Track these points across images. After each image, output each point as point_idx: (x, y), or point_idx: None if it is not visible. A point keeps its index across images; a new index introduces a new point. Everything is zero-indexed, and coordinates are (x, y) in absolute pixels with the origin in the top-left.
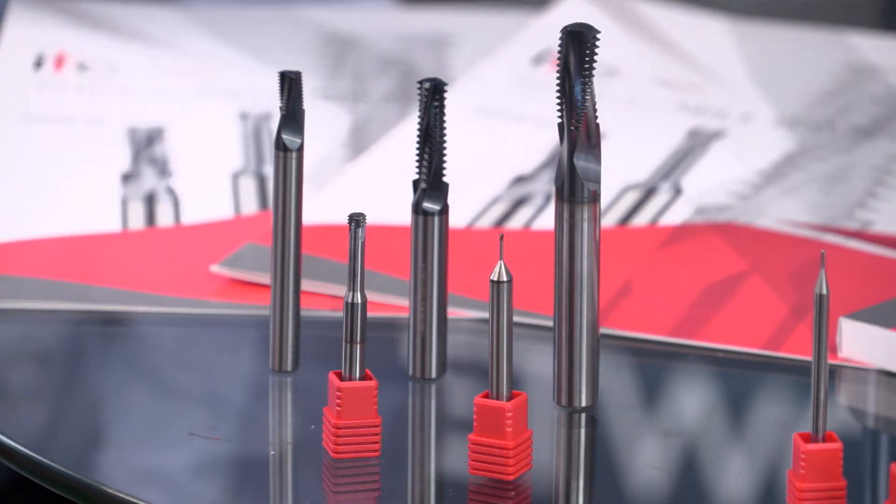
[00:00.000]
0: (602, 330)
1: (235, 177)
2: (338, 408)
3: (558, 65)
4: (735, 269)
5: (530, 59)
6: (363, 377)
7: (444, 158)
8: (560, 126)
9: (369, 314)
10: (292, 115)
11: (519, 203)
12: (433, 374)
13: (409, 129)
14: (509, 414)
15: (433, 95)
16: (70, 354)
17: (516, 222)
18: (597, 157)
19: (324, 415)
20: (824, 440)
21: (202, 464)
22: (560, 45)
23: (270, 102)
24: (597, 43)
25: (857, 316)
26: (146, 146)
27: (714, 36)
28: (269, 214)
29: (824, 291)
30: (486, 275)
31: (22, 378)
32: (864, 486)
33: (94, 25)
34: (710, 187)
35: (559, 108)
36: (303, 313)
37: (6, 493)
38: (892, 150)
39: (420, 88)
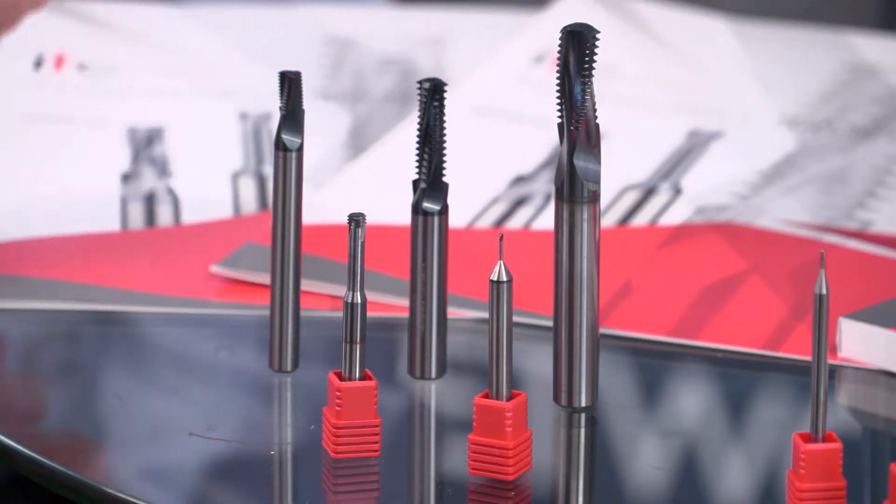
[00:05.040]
0: (602, 330)
1: (235, 177)
2: (338, 408)
3: (558, 65)
4: (735, 269)
5: (530, 59)
6: (363, 377)
7: (444, 158)
8: (560, 126)
9: (369, 314)
10: (292, 115)
11: (519, 203)
12: (433, 374)
13: (408, 129)
14: (509, 414)
15: (433, 95)
16: (70, 354)
17: (516, 222)
18: (597, 157)
19: (324, 415)
20: (824, 440)
21: (202, 464)
22: (560, 45)
23: (270, 102)
24: (596, 43)
25: (857, 316)
26: (146, 146)
27: (714, 36)
28: (268, 214)
29: (824, 291)
30: (486, 275)
31: (22, 378)
32: (864, 486)
33: (94, 25)
34: (710, 187)
35: (559, 108)
36: (303, 313)
37: (6, 493)
38: (892, 150)
39: (420, 88)
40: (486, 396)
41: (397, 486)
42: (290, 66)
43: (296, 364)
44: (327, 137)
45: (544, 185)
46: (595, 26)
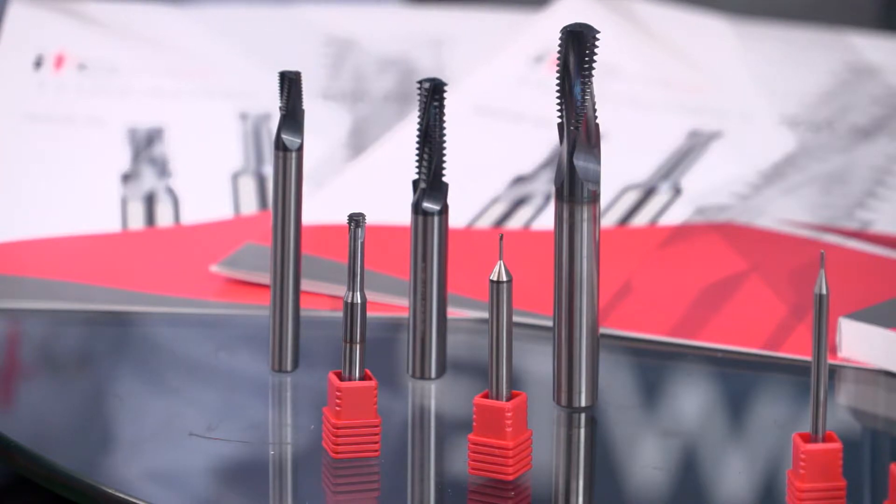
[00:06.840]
0: (602, 330)
1: (235, 177)
2: (338, 408)
3: (558, 65)
4: (735, 269)
5: (530, 59)
6: (363, 377)
7: (444, 158)
8: (560, 126)
9: (369, 314)
10: (292, 115)
11: (519, 203)
12: (433, 374)
13: (408, 129)
14: (509, 414)
15: (433, 95)
16: (70, 354)
17: (516, 222)
18: (597, 157)
19: (324, 415)
20: (824, 440)
21: (202, 464)
22: (560, 45)
23: (270, 102)
24: (596, 43)
25: (857, 316)
26: (146, 146)
27: (714, 36)
28: (268, 214)
29: (824, 291)
30: (486, 275)
31: (22, 378)
32: (864, 486)
33: (94, 25)
34: (710, 187)
35: (559, 108)
36: (303, 313)
37: (6, 493)
38: (892, 150)
39: (420, 88)
40: (486, 396)
41: (397, 486)
42: (290, 66)
43: (296, 364)
44: (327, 137)
45: (544, 185)
46: (595, 26)
